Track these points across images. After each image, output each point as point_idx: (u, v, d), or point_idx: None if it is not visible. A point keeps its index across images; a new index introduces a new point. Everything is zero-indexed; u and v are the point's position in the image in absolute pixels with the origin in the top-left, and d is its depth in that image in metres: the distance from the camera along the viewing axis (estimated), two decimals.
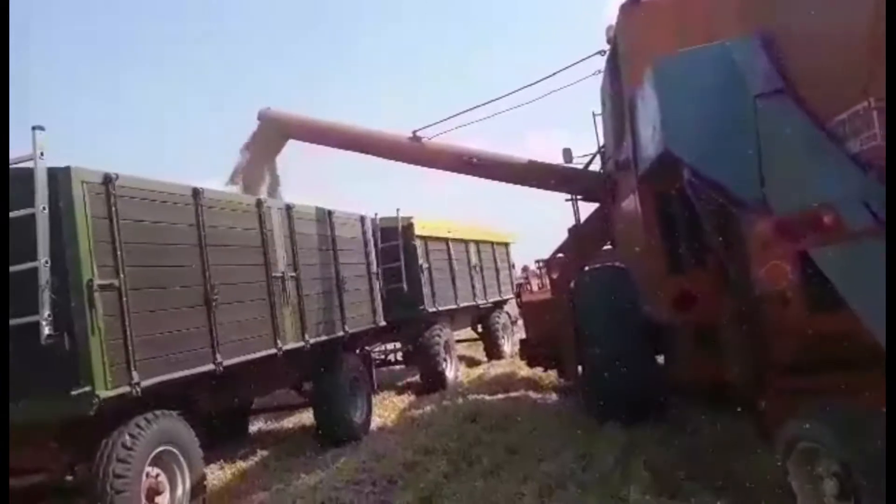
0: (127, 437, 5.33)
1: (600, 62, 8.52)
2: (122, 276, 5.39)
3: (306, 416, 9.90)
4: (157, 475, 5.67)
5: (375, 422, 9.67)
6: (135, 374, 5.38)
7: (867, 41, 3.07)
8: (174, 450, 5.81)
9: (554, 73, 9.86)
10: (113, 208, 5.43)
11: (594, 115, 9.53)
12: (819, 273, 3.49)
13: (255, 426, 10.28)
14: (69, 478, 5.39)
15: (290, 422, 10.52)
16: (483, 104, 10.45)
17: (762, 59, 4.20)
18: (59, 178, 5.08)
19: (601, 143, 9.50)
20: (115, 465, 5.20)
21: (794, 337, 4.36)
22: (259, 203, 7.62)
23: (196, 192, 6.46)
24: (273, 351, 7.36)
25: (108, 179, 5.43)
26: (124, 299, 5.39)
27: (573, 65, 9.47)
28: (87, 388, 4.99)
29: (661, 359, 7.60)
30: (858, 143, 3.30)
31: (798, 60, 3.97)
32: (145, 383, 5.45)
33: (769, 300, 4.38)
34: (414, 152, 10.87)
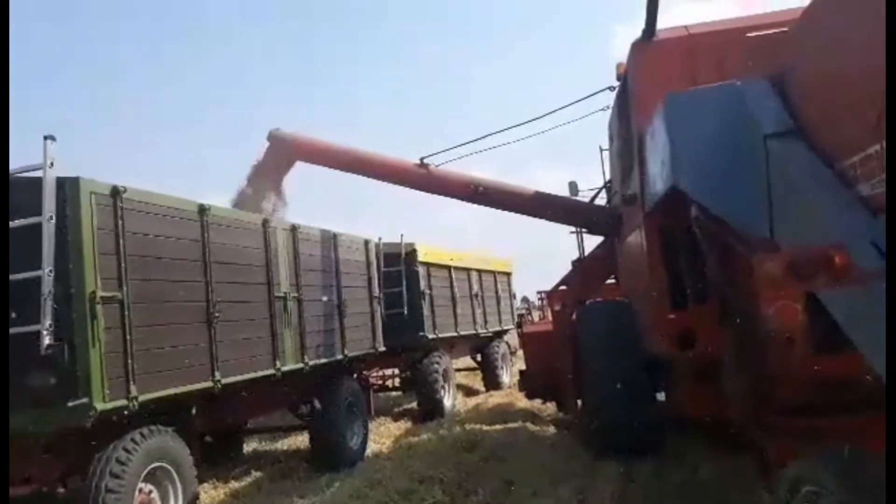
0: (122, 452, 5.29)
1: (608, 98, 8.60)
2: (125, 288, 5.39)
3: (302, 439, 9.83)
4: (150, 491, 5.62)
5: (371, 447, 9.61)
6: (133, 387, 5.35)
7: (878, 83, 3.08)
8: (168, 466, 5.76)
9: (562, 107, 9.94)
10: (120, 221, 5.44)
11: (601, 149, 9.60)
12: (824, 313, 3.48)
13: (249, 446, 10.19)
14: (60, 490, 5.32)
15: (285, 444, 10.44)
16: (491, 134, 10.52)
17: (773, 100, 4.23)
18: (67, 188, 5.09)
19: (607, 177, 9.55)
20: (108, 480, 5.15)
21: (798, 377, 4.33)
22: (264, 222, 7.64)
23: (202, 209, 6.48)
24: (272, 371, 7.33)
25: (115, 192, 5.45)
26: (126, 312, 5.38)
27: (581, 100, 9.54)
28: (85, 400, 4.96)
29: (661, 395, 7.55)
30: (870, 187, 3.30)
31: (808, 102, 4.00)
32: (143, 397, 5.43)
33: (773, 339, 4.35)
34: (421, 179, 10.90)
